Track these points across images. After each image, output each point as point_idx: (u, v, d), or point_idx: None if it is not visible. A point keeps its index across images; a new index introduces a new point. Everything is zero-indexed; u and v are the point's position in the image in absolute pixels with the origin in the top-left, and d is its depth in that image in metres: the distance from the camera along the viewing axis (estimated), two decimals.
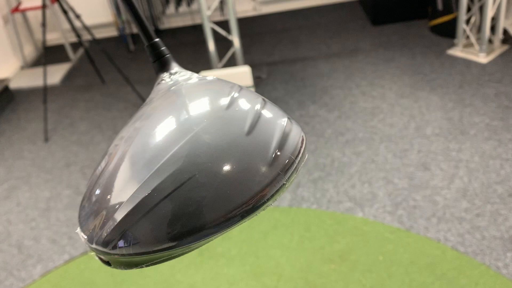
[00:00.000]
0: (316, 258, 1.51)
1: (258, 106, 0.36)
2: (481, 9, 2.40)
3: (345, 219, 1.64)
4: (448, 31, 2.66)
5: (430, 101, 2.17)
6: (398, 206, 1.65)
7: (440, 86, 2.27)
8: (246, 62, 2.50)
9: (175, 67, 0.46)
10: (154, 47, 0.46)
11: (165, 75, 0.45)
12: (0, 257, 1.72)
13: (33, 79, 3.12)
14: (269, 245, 1.59)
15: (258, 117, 0.35)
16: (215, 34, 2.34)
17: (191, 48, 3.24)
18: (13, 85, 3.06)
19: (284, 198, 1.76)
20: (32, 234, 1.81)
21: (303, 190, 1.78)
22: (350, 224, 1.62)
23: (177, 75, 0.45)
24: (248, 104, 0.37)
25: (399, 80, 2.37)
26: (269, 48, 2.98)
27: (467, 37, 2.53)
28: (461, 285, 1.37)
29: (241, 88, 0.39)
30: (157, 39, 0.46)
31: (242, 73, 2.24)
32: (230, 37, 2.41)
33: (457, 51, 2.53)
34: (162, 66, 0.46)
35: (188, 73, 0.45)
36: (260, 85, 2.55)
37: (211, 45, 2.35)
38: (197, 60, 3.02)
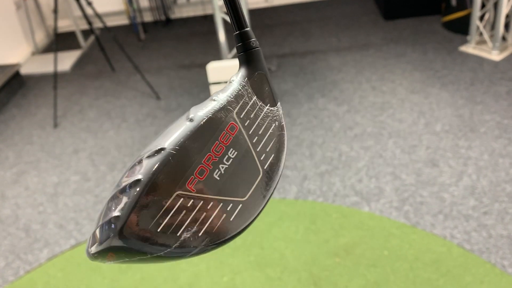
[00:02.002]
0: (321, 251, 1.51)
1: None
2: (496, 5, 2.37)
3: (351, 213, 1.64)
4: (461, 28, 2.62)
5: (441, 98, 2.15)
6: (405, 201, 1.64)
7: (451, 83, 2.25)
8: None
9: (256, 64, 0.43)
10: (242, 37, 0.43)
11: (233, 78, 0.42)
12: (8, 240, 1.74)
13: (43, 65, 3.14)
14: (274, 236, 1.59)
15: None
16: (226, 24, 2.33)
17: (201, 38, 3.23)
18: (24, 70, 3.08)
19: (290, 191, 1.76)
20: (39, 219, 1.82)
21: (310, 183, 1.78)
22: (356, 218, 1.62)
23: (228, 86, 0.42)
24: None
25: (410, 76, 2.35)
26: (280, 40, 2.97)
27: (480, 34, 2.50)
28: (466, 282, 1.36)
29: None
30: (247, 29, 0.43)
31: None
32: None
33: (469, 48, 2.50)
34: (245, 60, 0.43)
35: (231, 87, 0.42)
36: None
37: (222, 36, 2.34)
38: (207, 50, 3.01)
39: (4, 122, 2.55)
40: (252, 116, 0.41)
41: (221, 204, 0.39)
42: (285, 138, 0.43)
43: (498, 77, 2.23)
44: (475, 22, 2.45)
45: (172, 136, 0.38)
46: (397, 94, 2.22)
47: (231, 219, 0.39)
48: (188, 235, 0.37)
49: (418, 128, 1.98)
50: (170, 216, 0.36)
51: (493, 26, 2.44)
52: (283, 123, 0.43)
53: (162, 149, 0.37)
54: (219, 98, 0.41)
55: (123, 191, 0.36)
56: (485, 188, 1.65)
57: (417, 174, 1.75)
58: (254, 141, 0.41)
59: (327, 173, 1.82)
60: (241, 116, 0.41)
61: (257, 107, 0.42)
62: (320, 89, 2.36)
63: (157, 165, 0.36)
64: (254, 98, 0.42)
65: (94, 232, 0.37)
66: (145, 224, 0.36)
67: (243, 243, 1.57)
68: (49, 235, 1.74)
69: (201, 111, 0.40)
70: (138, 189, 0.36)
